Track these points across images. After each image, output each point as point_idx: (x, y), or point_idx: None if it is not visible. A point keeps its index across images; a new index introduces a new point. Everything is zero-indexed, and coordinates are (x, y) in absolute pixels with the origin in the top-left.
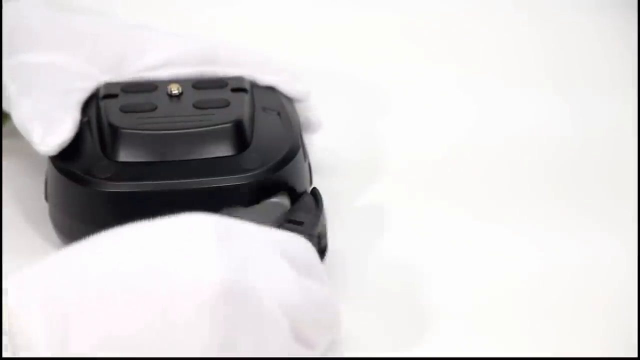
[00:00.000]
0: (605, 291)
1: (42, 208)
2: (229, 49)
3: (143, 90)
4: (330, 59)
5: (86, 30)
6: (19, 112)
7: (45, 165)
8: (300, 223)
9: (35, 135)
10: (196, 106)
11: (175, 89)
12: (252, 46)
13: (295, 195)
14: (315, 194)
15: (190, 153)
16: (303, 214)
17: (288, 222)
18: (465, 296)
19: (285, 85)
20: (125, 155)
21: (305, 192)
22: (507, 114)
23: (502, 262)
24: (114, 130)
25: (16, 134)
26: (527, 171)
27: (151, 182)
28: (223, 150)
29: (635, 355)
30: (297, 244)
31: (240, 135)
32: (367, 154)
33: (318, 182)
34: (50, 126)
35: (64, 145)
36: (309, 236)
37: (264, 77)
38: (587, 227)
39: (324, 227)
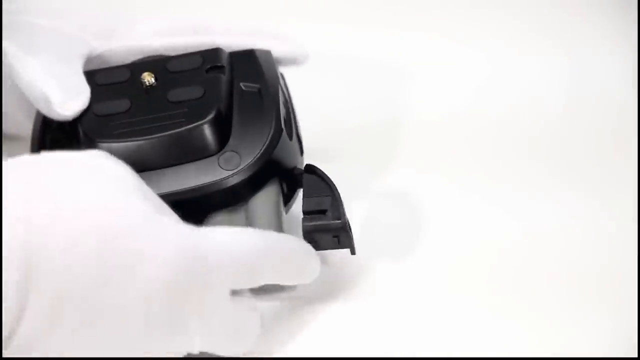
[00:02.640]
0: (605, 263)
1: None
2: (222, 21)
3: (116, 81)
4: (331, 37)
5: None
6: (26, 71)
7: None
8: (323, 211)
9: (54, 96)
10: (170, 100)
11: (149, 78)
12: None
13: (286, 174)
14: (314, 171)
15: (170, 159)
16: (317, 199)
17: (310, 213)
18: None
19: (283, 49)
20: None
21: (295, 168)
22: (503, 82)
23: (501, 232)
24: (90, 141)
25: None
26: (524, 139)
27: None
28: (201, 152)
29: (635, 355)
30: None
31: (217, 134)
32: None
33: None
34: (70, 91)
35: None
36: (340, 216)
37: (261, 43)
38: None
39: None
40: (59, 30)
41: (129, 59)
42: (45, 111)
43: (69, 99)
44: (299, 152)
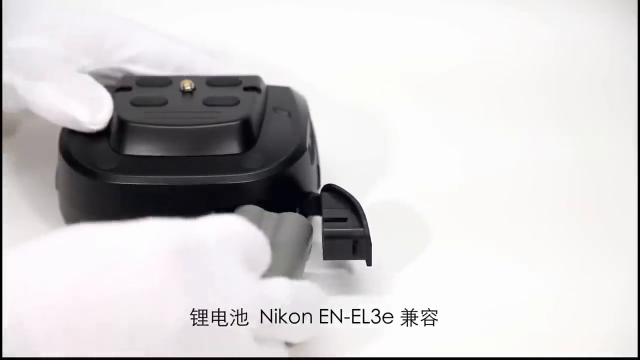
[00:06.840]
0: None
1: (51, 198)
2: (205, 63)
3: (157, 84)
4: (332, 64)
5: (57, 16)
6: (43, 100)
7: (48, 156)
8: (344, 219)
9: (81, 115)
10: (206, 103)
11: (188, 85)
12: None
13: (300, 196)
14: (332, 188)
15: (195, 149)
16: (336, 210)
17: (330, 220)
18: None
19: None
20: (130, 149)
21: (311, 192)
22: (499, 37)
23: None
24: (121, 122)
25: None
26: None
27: (154, 176)
28: (228, 148)
29: (635, 355)
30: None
31: (245, 134)
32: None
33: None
34: (94, 104)
35: None
36: (361, 226)
37: None
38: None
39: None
40: (48, 51)
41: (113, 75)
42: (74, 128)
43: (96, 112)
44: (316, 181)
